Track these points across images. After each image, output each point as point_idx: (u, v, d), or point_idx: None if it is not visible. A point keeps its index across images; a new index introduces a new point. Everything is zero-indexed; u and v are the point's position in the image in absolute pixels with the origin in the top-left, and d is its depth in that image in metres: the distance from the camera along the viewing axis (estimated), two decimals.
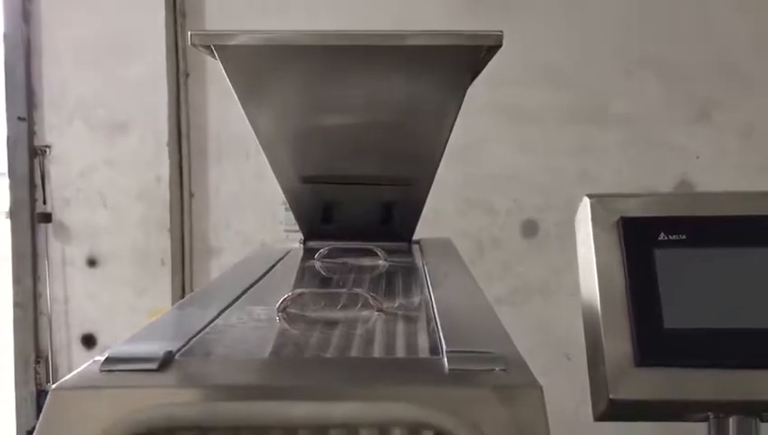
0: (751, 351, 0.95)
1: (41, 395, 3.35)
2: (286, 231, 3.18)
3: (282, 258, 1.56)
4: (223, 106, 3.26)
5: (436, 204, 2.98)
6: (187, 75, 3.35)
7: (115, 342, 0.81)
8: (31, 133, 3.33)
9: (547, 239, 3.26)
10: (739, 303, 0.97)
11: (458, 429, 0.60)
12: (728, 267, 0.98)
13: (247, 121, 1.49)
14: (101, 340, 3.31)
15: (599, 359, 0.97)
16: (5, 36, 3.32)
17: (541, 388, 0.63)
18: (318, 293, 1.17)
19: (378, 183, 1.68)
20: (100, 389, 0.66)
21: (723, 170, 3.19)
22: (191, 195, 3.38)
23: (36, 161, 3.33)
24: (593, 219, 1.05)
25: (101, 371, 0.70)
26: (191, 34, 1.32)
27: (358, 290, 1.10)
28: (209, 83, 3.33)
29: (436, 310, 0.96)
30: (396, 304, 1.08)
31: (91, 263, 3.34)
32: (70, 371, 0.71)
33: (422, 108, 1.46)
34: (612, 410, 0.95)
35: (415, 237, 1.81)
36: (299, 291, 1.05)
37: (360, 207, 1.74)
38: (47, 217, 3.34)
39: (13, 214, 3.38)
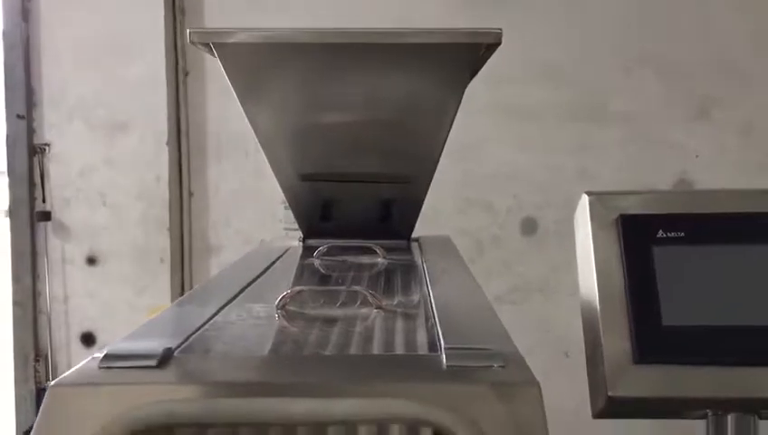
0: (749, 348, 0.95)
1: (40, 393, 3.35)
2: (286, 229, 3.18)
3: (281, 256, 1.56)
4: (222, 104, 3.26)
5: (436, 202, 2.98)
6: (187, 74, 3.35)
7: (114, 340, 0.81)
8: (30, 132, 3.33)
9: (546, 237, 3.26)
10: (737, 300, 0.97)
11: (456, 425, 0.60)
12: (727, 265, 0.98)
13: (246, 120, 1.49)
14: (101, 338, 3.31)
15: (597, 356, 0.97)
16: (5, 34, 3.31)
17: (539, 385, 0.63)
18: (317, 290, 1.17)
19: (377, 181, 1.68)
20: (99, 386, 0.66)
21: (722, 168, 3.19)
22: (190, 193, 3.38)
23: (36, 160, 3.33)
24: (592, 217, 1.05)
25: (100, 367, 0.70)
26: (190, 32, 1.32)
27: (357, 287, 1.10)
28: (209, 82, 3.33)
29: (434, 307, 0.96)
30: (395, 302, 1.08)
31: (91, 261, 3.34)
32: (69, 369, 0.71)
33: (421, 106, 1.46)
34: (611, 408, 0.95)
35: (414, 235, 1.82)
36: (298, 288, 1.05)
37: (359, 205, 1.74)
38: (46, 216, 3.34)
39: (12, 212, 3.38)
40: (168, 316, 0.98)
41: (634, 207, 1.04)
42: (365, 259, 1.50)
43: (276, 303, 0.99)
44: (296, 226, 1.82)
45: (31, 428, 0.68)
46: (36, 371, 3.36)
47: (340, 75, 1.41)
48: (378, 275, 1.37)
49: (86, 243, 3.33)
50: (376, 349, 0.82)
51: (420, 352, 0.80)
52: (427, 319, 0.94)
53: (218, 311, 0.97)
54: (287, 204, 1.82)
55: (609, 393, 0.94)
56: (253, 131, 1.54)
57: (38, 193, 3.34)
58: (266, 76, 1.40)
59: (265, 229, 3.29)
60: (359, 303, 1.04)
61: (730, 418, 0.96)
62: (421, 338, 0.87)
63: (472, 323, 0.92)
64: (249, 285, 1.19)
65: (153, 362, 0.70)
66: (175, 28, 3.28)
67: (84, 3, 3.27)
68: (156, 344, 0.74)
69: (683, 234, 1.00)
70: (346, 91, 1.46)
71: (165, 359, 0.71)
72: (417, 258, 1.54)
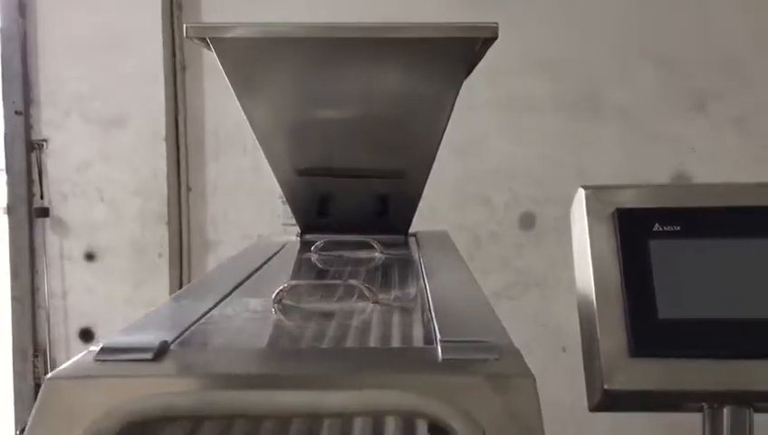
0: (745, 341, 0.95)
1: (39, 388, 3.35)
2: (284, 224, 3.19)
3: (278, 251, 1.56)
4: (220, 100, 3.26)
5: (433, 198, 2.99)
6: (184, 69, 3.34)
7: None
8: (28, 128, 3.32)
9: (544, 232, 3.26)
10: (733, 293, 0.97)
11: (451, 417, 0.60)
12: (722, 258, 0.99)
13: (244, 115, 1.49)
14: (99, 334, 3.31)
15: (593, 350, 0.97)
16: (2, 30, 3.31)
17: (533, 376, 0.63)
18: (313, 284, 1.17)
19: (374, 176, 1.68)
20: (95, 378, 0.66)
21: (720, 162, 3.19)
22: (188, 189, 3.38)
23: (33, 156, 3.33)
24: (588, 211, 1.05)
25: (96, 360, 0.70)
26: (186, 27, 1.32)
27: (353, 281, 1.11)
28: (206, 77, 3.32)
29: (430, 301, 0.97)
30: (391, 296, 1.08)
31: (89, 257, 3.34)
32: None
33: (418, 100, 1.46)
34: (607, 401, 0.96)
35: (412, 230, 1.82)
36: (294, 282, 1.05)
37: (357, 200, 1.74)
38: (45, 212, 3.33)
39: (10, 209, 3.38)
40: (164, 310, 0.99)
41: (630, 200, 1.04)
42: (362, 254, 1.51)
43: (273, 297, 0.99)
44: (294, 221, 1.82)
45: None
46: (35, 366, 3.36)
47: (338, 70, 1.41)
48: (375, 269, 1.37)
49: (84, 239, 3.33)
50: (372, 342, 0.83)
51: (416, 345, 0.80)
52: (423, 313, 0.95)
53: (215, 305, 0.98)
54: (285, 199, 1.82)
55: (606, 387, 0.94)
56: (250, 127, 1.54)
57: (36, 189, 3.34)
58: (263, 71, 1.40)
59: (264, 225, 3.29)
60: (355, 297, 1.04)
61: (726, 411, 0.96)
62: (417, 331, 0.87)
63: (468, 316, 0.93)
64: (246, 279, 1.19)
65: (149, 356, 0.70)
66: (172, 23, 3.28)
67: None
68: (152, 338, 0.74)
69: (679, 227, 1.00)
70: (343, 86, 1.46)
71: (161, 352, 0.71)
72: (415, 253, 1.54)
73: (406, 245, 1.69)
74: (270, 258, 1.45)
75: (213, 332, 0.86)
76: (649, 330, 0.95)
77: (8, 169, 3.37)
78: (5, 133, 3.34)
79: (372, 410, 0.64)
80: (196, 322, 0.88)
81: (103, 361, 0.70)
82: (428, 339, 0.80)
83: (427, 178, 1.67)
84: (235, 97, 1.44)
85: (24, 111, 3.30)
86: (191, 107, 3.36)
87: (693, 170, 3.22)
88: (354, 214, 1.75)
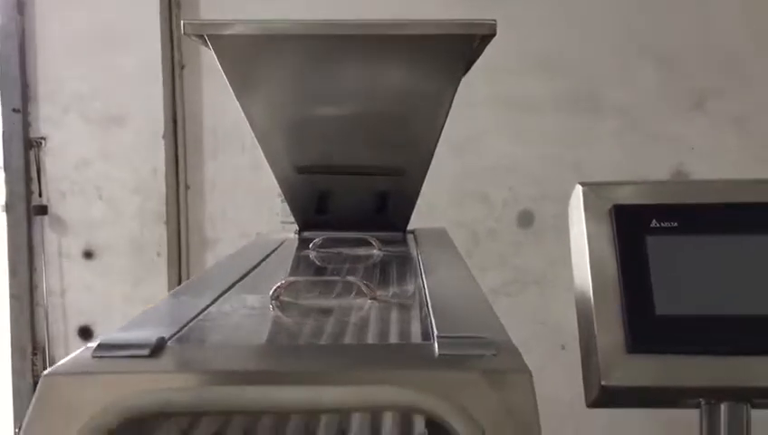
0: (742, 337, 0.95)
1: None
2: (283, 222, 3.18)
3: (276, 248, 1.56)
4: (218, 97, 3.25)
5: (432, 195, 2.98)
6: (183, 67, 3.34)
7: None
8: (26, 126, 3.32)
9: (543, 230, 3.26)
10: (730, 289, 0.97)
11: (448, 412, 0.60)
12: (719, 254, 0.99)
13: (242, 112, 1.49)
14: (98, 332, 3.31)
15: (591, 346, 0.98)
16: (0, 28, 3.30)
17: (530, 372, 0.63)
18: (311, 281, 1.17)
19: (372, 173, 1.68)
20: (92, 374, 0.66)
21: (719, 162, 3.19)
22: (187, 187, 3.38)
23: (32, 154, 3.32)
24: (586, 207, 1.05)
25: (93, 357, 0.70)
26: (184, 24, 1.32)
27: (350, 278, 1.11)
28: (205, 75, 3.32)
29: (428, 297, 0.97)
30: (389, 293, 1.08)
31: (88, 255, 3.34)
32: None
33: (416, 97, 1.46)
34: (604, 397, 0.96)
35: (410, 228, 1.82)
36: (292, 279, 1.05)
37: (355, 197, 1.74)
38: (43, 210, 3.33)
39: (9, 206, 3.38)
40: (162, 307, 0.99)
41: (628, 197, 1.04)
42: (360, 251, 1.50)
43: (270, 293, 0.99)
44: (293, 219, 1.82)
45: None
46: (34, 364, 3.36)
47: (336, 67, 1.41)
48: (373, 266, 1.37)
49: (83, 237, 3.33)
50: (369, 339, 0.83)
51: (414, 342, 0.80)
52: (421, 309, 0.95)
53: (212, 302, 0.98)
54: (284, 197, 1.82)
55: (603, 383, 0.94)
56: (248, 124, 1.54)
57: (34, 187, 3.34)
58: (260, 68, 1.40)
59: (262, 223, 3.29)
60: (353, 294, 1.04)
61: (723, 406, 0.97)
62: (415, 328, 0.87)
63: (465, 312, 0.93)
64: (244, 276, 1.19)
65: (146, 352, 0.70)
66: (170, 21, 3.27)
67: None
68: (149, 334, 0.74)
69: (676, 224, 1.00)
70: (341, 84, 1.46)
71: (158, 348, 0.71)
72: (413, 250, 1.54)
73: (404, 242, 1.69)
74: (268, 255, 1.45)
75: (210, 328, 0.86)
76: (647, 326, 0.95)
77: (6, 167, 3.37)
78: (3, 131, 3.34)
79: (369, 406, 0.64)
80: (193, 318, 0.88)
81: (100, 357, 0.70)
82: (426, 335, 0.81)
83: (425, 175, 1.67)
84: (233, 95, 1.44)
85: (21, 108, 3.30)
86: (190, 105, 3.35)
87: (692, 170, 3.22)
88: (352, 211, 1.75)
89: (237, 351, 0.77)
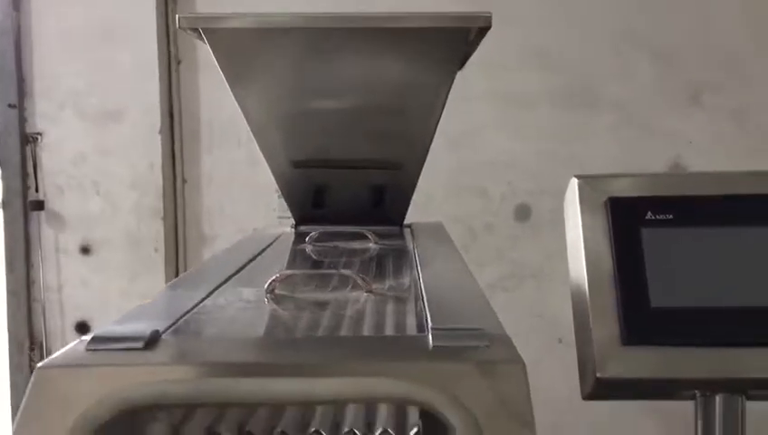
0: (736, 329, 0.95)
1: None
2: (280, 218, 3.18)
3: (272, 242, 1.56)
4: (215, 92, 3.25)
5: (429, 189, 2.98)
6: (179, 62, 3.33)
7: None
8: (22, 121, 3.32)
9: (540, 224, 3.26)
10: (725, 281, 0.97)
11: (442, 403, 0.60)
12: (714, 246, 0.99)
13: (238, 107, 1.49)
14: (95, 327, 3.30)
15: (586, 338, 0.98)
16: None
17: (523, 363, 0.63)
18: (306, 274, 1.17)
19: (368, 167, 1.68)
20: (86, 367, 0.66)
21: (716, 156, 3.19)
22: (184, 181, 3.38)
23: (28, 149, 3.32)
24: (581, 200, 1.05)
25: (87, 350, 0.70)
26: (179, 18, 1.31)
27: (346, 271, 1.11)
28: (201, 70, 3.31)
29: (423, 290, 0.97)
30: (385, 286, 1.08)
31: (85, 250, 3.34)
32: None
33: (411, 91, 1.45)
34: (600, 389, 0.96)
35: (407, 222, 1.82)
36: (287, 272, 1.05)
37: (351, 192, 1.74)
38: (40, 205, 3.33)
39: (5, 202, 3.38)
40: (157, 300, 0.98)
41: (623, 189, 1.04)
42: (357, 245, 1.50)
43: (266, 287, 0.99)
44: (290, 214, 1.82)
45: None
46: (31, 359, 3.36)
47: (331, 60, 1.41)
48: (369, 260, 1.37)
49: (80, 232, 3.33)
50: (365, 331, 0.83)
51: (408, 334, 0.80)
52: (416, 302, 0.95)
53: (208, 295, 0.98)
54: (280, 192, 1.82)
55: (598, 375, 0.94)
56: (244, 118, 1.53)
57: (31, 182, 3.33)
58: (256, 62, 1.39)
59: (259, 218, 3.29)
60: (349, 287, 1.04)
61: (718, 398, 0.97)
62: (410, 320, 0.87)
63: (460, 305, 0.93)
64: (240, 270, 1.19)
65: (140, 345, 0.70)
66: (167, 16, 3.26)
67: None
68: (143, 327, 0.74)
69: (671, 216, 1.00)
70: (337, 77, 1.45)
71: (152, 341, 0.71)
72: (409, 244, 1.54)
73: (401, 236, 1.69)
74: (264, 249, 1.44)
75: (205, 321, 0.86)
76: (642, 318, 0.95)
77: (3, 163, 3.36)
78: (0, 127, 3.33)
79: (364, 398, 0.64)
80: (188, 311, 0.87)
81: (94, 350, 0.70)
82: (421, 327, 0.81)
83: (421, 169, 1.67)
84: (229, 89, 1.44)
85: (18, 104, 3.29)
86: (186, 100, 3.35)
87: (689, 164, 3.22)
88: (349, 205, 1.75)
89: (232, 343, 0.77)
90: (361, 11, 1.45)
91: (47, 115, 3.30)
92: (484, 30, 1.28)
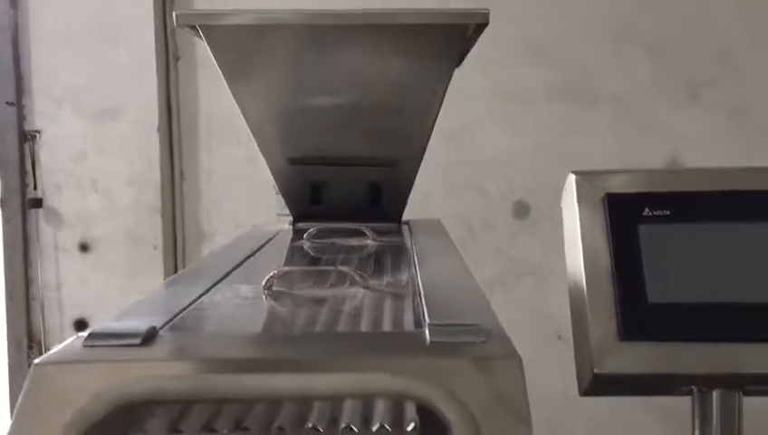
0: (734, 325, 0.95)
1: None
2: (278, 214, 3.18)
3: (270, 239, 1.56)
4: (213, 89, 3.25)
5: (427, 186, 2.98)
6: (178, 59, 3.33)
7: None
8: (20, 119, 3.31)
9: (539, 221, 3.27)
10: (722, 277, 0.97)
11: (438, 398, 0.61)
12: (712, 242, 0.99)
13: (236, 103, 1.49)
14: (94, 325, 3.31)
15: (584, 334, 0.98)
16: None
17: (520, 358, 0.63)
18: (304, 271, 1.17)
19: (366, 164, 1.68)
20: (83, 363, 0.66)
21: (713, 152, 3.19)
22: (182, 178, 3.37)
23: (26, 147, 3.31)
24: (579, 196, 1.05)
25: (84, 346, 0.70)
26: (176, 15, 1.31)
27: (343, 268, 1.11)
28: (200, 67, 3.31)
29: (421, 286, 0.97)
30: (383, 282, 1.08)
31: (83, 248, 3.33)
32: None
33: (409, 88, 1.46)
34: (597, 385, 0.96)
35: (405, 219, 1.82)
36: (285, 269, 1.05)
37: (349, 189, 1.74)
38: (38, 203, 3.33)
39: (3, 200, 3.37)
40: (154, 297, 0.98)
41: (620, 185, 1.05)
42: (354, 241, 1.50)
43: (263, 283, 0.99)
44: (288, 211, 1.82)
45: None
46: (29, 357, 3.36)
47: (328, 57, 1.41)
48: (367, 256, 1.37)
49: (78, 229, 3.33)
50: (363, 327, 0.83)
51: (405, 330, 0.80)
52: (413, 298, 0.95)
53: (205, 292, 0.98)
54: (278, 189, 1.82)
55: (596, 370, 0.94)
56: (242, 115, 1.54)
57: (29, 180, 3.33)
58: (253, 58, 1.39)
59: (258, 215, 3.28)
60: (347, 283, 1.04)
61: (715, 394, 0.97)
62: (407, 316, 0.87)
63: (457, 300, 0.93)
64: (237, 266, 1.19)
65: (137, 341, 0.70)
66: (164, 13, 3.26)
67: None
68: (141, 323, 0.74)
69: (669, 212, 1.00)
70: (334, 74, 1.45)
71: (149, 337, 0.71)
72: (407, 240, 1.54)
73: (398, 232, 1.69)
74: (262, 246, 1.45)
75: (202, 317, 0.86)
76: (639, 314, 0.96)
77: (1, 161, 3.36)
78: None
79: (361, 393, 0.64)
80: (185, 308, 0.88)
81: (91, 346, 0.70)
82: (418, 323, 0.81)
83: (419, 165, 1.67)
84: (227, 85, 1.44)
85: (16, 101, 3.29)
86: (184, 97, 3.34)
87: (687, 159, 3.22)
88: (346, 202, 1.75)
89: (229, 339, 0.78)
90: (359, 8, 1.45)
91: (45, 113, 3.30)
92: (481, 27, 1.28)
